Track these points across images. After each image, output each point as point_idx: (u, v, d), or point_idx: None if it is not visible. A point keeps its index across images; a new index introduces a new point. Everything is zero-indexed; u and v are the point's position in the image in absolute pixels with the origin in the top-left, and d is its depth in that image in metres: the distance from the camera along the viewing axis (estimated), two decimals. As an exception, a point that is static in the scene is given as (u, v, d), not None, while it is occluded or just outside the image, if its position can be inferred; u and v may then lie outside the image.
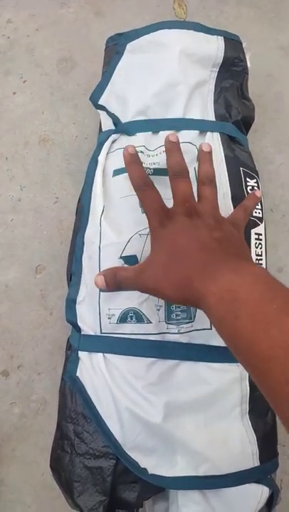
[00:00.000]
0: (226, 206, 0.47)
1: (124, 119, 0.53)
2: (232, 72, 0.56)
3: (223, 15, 0.79)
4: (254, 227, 0.49)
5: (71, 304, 0.49)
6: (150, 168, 0.48)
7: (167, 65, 0.52)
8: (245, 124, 0.57)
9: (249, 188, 0.50)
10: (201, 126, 0.51)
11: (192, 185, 0.40)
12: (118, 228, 0.46)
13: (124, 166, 0.42)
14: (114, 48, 0.57)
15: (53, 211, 0.68)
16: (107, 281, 0.40)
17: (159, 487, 0.43)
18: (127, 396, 0.43)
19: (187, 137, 0.50)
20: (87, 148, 0.70)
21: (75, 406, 0.47)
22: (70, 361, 0.48)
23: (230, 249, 0.37)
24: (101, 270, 0.45)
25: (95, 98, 0.56)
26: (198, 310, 0.45)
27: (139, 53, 0.55)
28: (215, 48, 0.54)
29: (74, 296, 0.49)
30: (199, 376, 0.45)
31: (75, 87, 0.73)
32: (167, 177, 0.41)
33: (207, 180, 0.42)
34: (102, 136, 0.53)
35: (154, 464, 0.43)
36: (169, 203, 0.40)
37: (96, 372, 0.45)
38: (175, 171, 0.40)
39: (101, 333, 0.46)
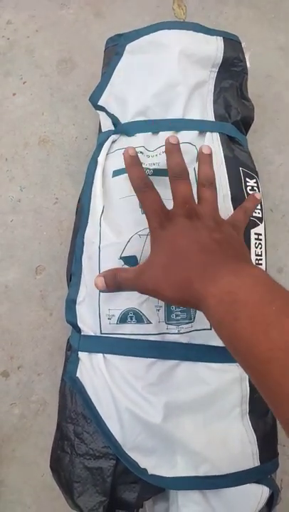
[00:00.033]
0: (225, 207, 0.47)
1: (124, 119, 0.53)
2: (231, 73, 0.56)
3: (223, 15, 0.79)
4: (254, 227, 0.49)
5: (71, 304, 0.49)
6: (150, 169, 0.48)
7: (167, 65, 0.52)
8: (245, 124, 0.57)
9: (249, 188, 0.50)
10: (200, 127, 0.51)
11: (192, 187, 0.40)
12: (118, 229, 0.47)
13: (123, 166, 0.42)
14: (114, 48, 0.57)
15: (52, 212, 0.68)
16: (107, 283, 0.40)
17: (159, 487, 0.43)
18: (127, 396, 0.43)
19: (187, 137, 0.50)
20: (86, 149, 0.70)
21: (75, 406, 0.47)
22: (70, 362, 0.48)
23: (230, 251, 0.37)
24: (101, 270, 0.45)
25: (94, 99, 0.56)
26: (198, 310, 0.45)
27: (139, 54, 0.55)
28: (214, 48, 0.55)
29: (74, 296, 0.49)
30: (199, 376, 0.45)
31: (75, 88, 0.73)
32: (167, 177, 0.41)
33: (207, 182, 0.42)
34: (102, 137, 0.53)
35: (154, 465, 0.43)
36: (169, 204, 0.40)
37: (96, 372, 0.45)
38: (175, 172, 0.40)
39: (101, 333, 0.46)
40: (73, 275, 0.50)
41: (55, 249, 0.67)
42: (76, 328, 0.49)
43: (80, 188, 0.53)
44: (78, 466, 0.44)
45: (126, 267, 0.45)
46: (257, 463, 0.44)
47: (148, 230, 0.40)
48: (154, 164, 0.48)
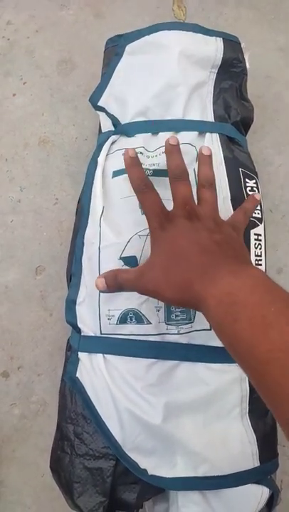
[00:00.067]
0: (225, 207, 0.47)
1: (124, 120, 0.53)
2: (231, 73, 0.56)
3: (223, 16, 0.79)
4: (253, 228, 0.49)
5: (71, 304, 0.49)
6: (149, 169, 0.48)
7: (166, 66, 0.53)
8: (245, 124, 0.57)
9: (248, 188, 0.50)
10: (200, 127, 0.51)
11: (192, 188, 0.40)
12: (118, 229, 0.47)
13: (123, 167, 0.42)
14: (114, 49, 0.57)
15: (52, 212, 0.68)
16: (108, 283, 0.40)
17: (159, 488, 0.43)
18: (127, 397, 0.43)
19: (186, 138, 0.50)
20: (86, 150, 0.70)
21: (74, 407, 0.47)
22: (70, 362, 0.48)
23: (230, 252, 0.37)
24: (101, 271, 0.46)
25: (94, 99, 0.56)
26: (197, 311, 0.45)
27: (139, 54, 0.55)
28: (214, 49, 0.55)
29: (74, 297, 0.49)
30: (198, 377, 0.45)
31: (75, 89, 0.73)
32: (167, 178, 0.41)
33: (207, 183, 0.42)
34: (102, 138, 0.53)
35: (154, 465, 0.43)
36: (169, 204, 0.40)
37: (96, 373, 0.45)
38: (175, 173, 0.40)
39: (101, 334, 0.46)
40: (73, 276, 0.50)
41: (55, 250, 0.67)
42: (76, 329, 0.49)
43: (80, 189, 0.53)
44: (78, 466, 0.44)
45: (126, 267, 0.45)
46: (257, 463, 0.44)
47: (148, 231, 0.40)
48: (153, 165, 0.48)
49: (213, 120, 0.53)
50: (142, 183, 0.40)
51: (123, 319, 0.45)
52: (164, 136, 0.50)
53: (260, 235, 0.49)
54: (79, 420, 0.46)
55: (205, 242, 0.37)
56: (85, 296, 0.48)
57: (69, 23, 0.77)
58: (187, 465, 0.43)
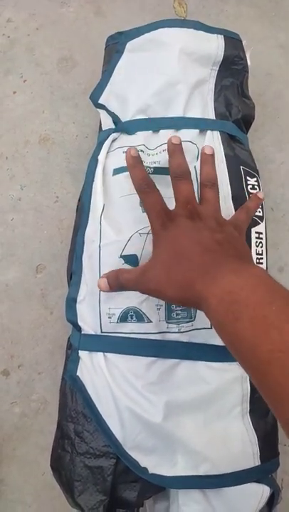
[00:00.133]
0: (226, 205, 0.47)
1: (124, 117, 0.53)
2: (232, 71, 0.56)
3: (224, 14, 0.79)
4: (254, 226, 0.49)
5: (71, 303, 0.49)
6: (150, 167, 0.48)
7: (167, 63, 0.52)
8: (246, 122, 0.57)
9: (249, 186, 0.50)
10: (201, 125, 0.51)
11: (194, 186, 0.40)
12: (118, 227, 0.46)
13: (124, 164, 0.42)
14: (115, 46, 0.57)
15: (53, 210, 0.68)
16: (110, 284, 0.41)
17: (160, 486, 0.43)
18: (128, 395, 0.43)
19: (187, 136, 0.49)
20: (87, 148, 0.70)
21: (75, 405, 0.47)
22: (71, 360, 0.48)
23: (232, 251, 0.37)
24: (101, 269, 0.46)
25: (94, 97, 0.56)
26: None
27: (139, 52, 0.55)
28: (215, 46, 0.54)
29: (74, 295, 0.49)
30: (199, 375, 0.45)
31: (76, 87, 0.73)
32: (168, 176, 0.41)
33: (209, 182, 0.42)
34: (102, 135, 0.53)
35: (155, 464, 0.43)
36: (170, 202, 0.40)
37: (96, 371, 0.45)
38: (177, 173, 0.40)
39: (101, 332, 0.46)
40: (74, 274, 0.50)
41: (56, 248, 0.67)
42: (76, 327, 0.48)
43: (81, 187, 0.53)
44: (79, 465, 0.44)
45: (126, 265, 0.45)
46: (257, 462, 0.44)
47: (148, 229, 0.40)
48: (154, 163, 0.48)
49: (214, 118, 0.52)
50: (143, 182, 0.40)
51: (124, 318, 0.45)
52: (164, 134, 0.50)
53: (261, 233, 0.49)
54: (79, 419, 0.46)
55: (207, 241, 0.37)
56: (85, 294, 0.48)
57: (69, 21, 0.76)
58: (188, 464, 0.43)
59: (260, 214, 0.50)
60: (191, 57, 0.53)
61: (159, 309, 0.45)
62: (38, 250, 0.67)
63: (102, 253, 0.46)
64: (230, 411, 0.44)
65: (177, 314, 0.45)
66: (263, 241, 0.49)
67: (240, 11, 0.80)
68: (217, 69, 0.55)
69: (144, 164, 0.47)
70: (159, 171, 0.47)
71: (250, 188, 0.50)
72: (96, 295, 0.46)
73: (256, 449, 0.44)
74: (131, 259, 0.45)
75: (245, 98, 0.57)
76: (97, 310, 0.46)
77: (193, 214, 0.39)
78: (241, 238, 0.41)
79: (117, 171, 0.49)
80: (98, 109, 0.56)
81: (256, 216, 0.49)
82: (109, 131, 0.53)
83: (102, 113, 0.55)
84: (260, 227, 0.49)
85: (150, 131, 0.51)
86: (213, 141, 0.51)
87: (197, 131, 0.51)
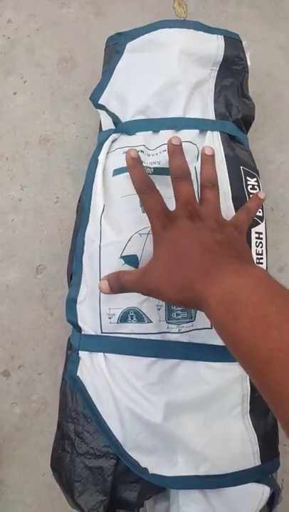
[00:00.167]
0: (226, 206, 0.47)
1: (124, 118, 0.53)
2: (232, 71, 0.56)
3: (224, 14, 0.79)
4: (254, 226, 0.49)
5: (72, 303, 0.49)
6: (150, 168, 0.48)
7: (167, 64, 0.52)
8: (246, 122, 0.57)
9: (249, 187, 0.50)
10: (201, 125, 0.51)
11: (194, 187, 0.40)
12: (118, 227, 0.46)
13: (124, 165, 0.42)
14: (114, 47, 0.57)
15: (53, 211, 0.68)
16: (111, 286, 0.41)
17: (160, 487, 0.43)
18: (128, 396, 0.43)
19: (187, 136, 0.50)
20: (87, 148, 0.70)
21: (75, 406, 0.47)
22: (71, 361, 0.48)
23: (232, 252, 0.37)
24: (101, 270, 0.46)
25: (95, 98, 0.56)
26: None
27: (139, 52, 0.55)
28: (215, 46, 0.54)
29: (74, 295, 0.49)
30: (199, 375, 0.45)
31: (76, 87, 0.73)
32: (168, 176, 0.41)
33: (209, 183, 0.42)
34: (102, 136, 0.53)
35: (155, 464, 0.43)
36: (170, 203, 0.40)
37: (97, 371, 0.45)
38: (177, 174, 0.40)
39: (102, 332, 0.46)
40: (74, 274, 0.50)
41: (56, 249, 0.67)
42: (77, 328, 0.48)
43: (81, 187, 0.53)
44: (79, 465, 0.44)
45: (126, 266, 0.45)
46: (258, 462, 0.44)
47: (149, 229, 0.40)
48: (154, 163, 0.48)
49: (214, 118, 0.52)
50: (143, 183, 0.40)
51: (124, 318, 0.45)
52: (164, 134, 0.50)
53: (261, 234, 0.49)
54: (80, 419, 0.46)
55: (207, 241, 0.37)
56: (85, 294, 0.48)
57: (69, 22, 0.76)
58: (188, 464, 0.43)
59: (260, 214, 0.50)
60: (191, 58, 0.53)
61: (159, 309, 0.45)
62: (38, 251, 0.67)
63: (103, 253, 0.46)
64: (230, 411, 0.44)
65: (177, 314, 0.45)
66: (263, 241, 0.49)
67: (240, 11, 0.80)
68: (217, 69, 0.55)
69: (144, 165, 0.47)
70: (159, 171, 0.47)
71: (250, 189, 0.50)
72: (96, 295, 0.46)
73: (256, 449, 0.44)
74: (131, 260, 0.45)
75: (245, 98, 0.57)
76: (97, 310, 0.46)
77: (193, 215, 0.39)
78: (242, 239, 0.41)
79: (117, 172, 0.49)
80: (98, 110, 0.56)
81: (256, 216, 0.49)
82: (110, 132, 0.53)
83: (102, 114, 0.55)
84: (260, 228, 0.49)
85: (150, 132, 0.51)
86: (213, 141, 0.51)
87: (197, 131, 0.51)
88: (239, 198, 0.48)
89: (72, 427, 0.46)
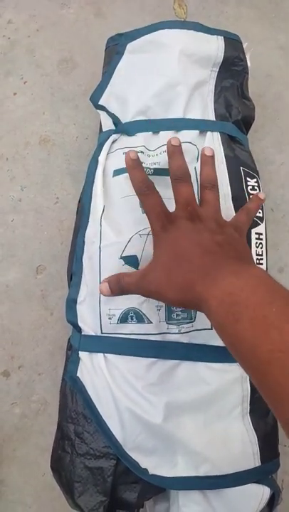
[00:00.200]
0: (226, 206, 0.47)
1: (125, 119, 0.53)
2: (232, 72, 0.56)
3: (224, 15, 0.79)
4: (255, 227, 0.49)
5: (72, 304, 0.49)
6: (150, 168, 0.48)
7: (167, 65, 0.52)
8: (246, 123, 0.57)
9: (250, 187, 0.50)
10: (201, 126, 0.51)
11: (193, 188, 0.40)
12: (118, 228, 0.47)
13: (124, 166, 0.42)
14: (115, 48, 0.57)
15: (53, 211, 0.68)
16: (112, 288, 0.41)
17: (160, 487, 0.43)
18: (128, 396, 0.43)
19: (187, 137, 0.50)
20: (87, 149, 0.70)
21: (75, 406, 0.47)
22: (71, 361, 0.48)
23: (232, 253, 0.37)
24: (102, 270, 0.46)
25: (95, 98, 0.56)
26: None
27: (140, 53, 0.55)
28: (215, 47, 0.54)
29: (74, 296, 0.49)
30: (199, 376, 0.45)
31: (76, 88, 0.73)
32: (168, 177, 0.41)
33: (209, 184, 0.42)
34: (103, 137, 0.53)
35: (155, 465, 0.43)
36: (170, 203, 0.40)
37: (96, 372, 0.45)
38: (177, 175, 0.40)
39: (101, 333, 0.46)
40: (74, 275, 0.50)
41: (56, 249, 0.67)
42: (77, 328, 0.48)
43: (81, 188, 0.53)
44: (79, 465, 0.44)
45: (126, 266, 0.45)
46: (258, 463, 0.44)
47: (149, 230, 0.40)
48: (154, 164, 0.48)
49: (214, 119, 0.52)
50: (143, 185, 0.40)
51: (124, 318, 0.45)
52: (164, 135, 0.50)
53: (261, 234, 0.49)
54: (80, 420, 0.46)
55: (207, 243, 0.37)
56: (85, 295, 0.48)
57: (70, 22, 0.76)
58: (188, 464, 0.43)
59: (260, 215, 0.50)
60: (191, 59, 0.53)
61: (159, 310, 0.45)
62: (38, 251, 0.67)
63: (103, 254, 0.46)
64: (230, 411, 0.44)
65: (177, 315, 0.45)
66: (263, 242, 0.49)
67: (240, 12, 0.80)
68: (217, 70, 0.55)
69: (144, 165, 0.47)
70: (159, 172, 0.47)
71: (250, 189, 0.50)
72: (96, 296, 0.46)
73: (256, 450, 0.44)
74: (131, 260, 0.45)
75: (245, 99, 0.57)
76: (97, 311, 0.46)
77: (193, 216, 0.39)
78: (242, 239, 0.41)
79: (117, 172, 0.49)
80: (98, 111, 0.56)
81: (256, 217, 0.49)
82: (110, 133, 0.53)
83: (103, 114, 0.55)
84: (260, 228, 0.50)
85: (150, 133, 0.51)
86: (213, 142, 0.51)
87: (197, 132, 0.51)
88: (239, 199, 0.48)
89: (72, 427, 0.46)
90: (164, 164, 0.46)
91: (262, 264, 0.49)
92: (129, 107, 0.53)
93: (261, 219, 0.50)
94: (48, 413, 0.62)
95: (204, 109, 0.53)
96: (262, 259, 0.49)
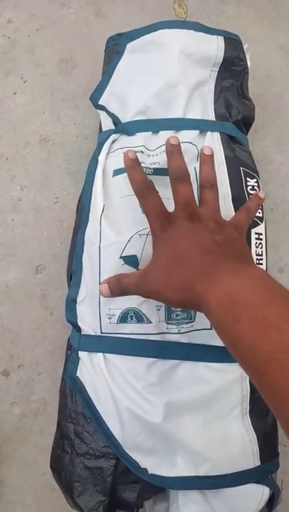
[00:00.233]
0: (226, 206, 0.47)
1: (124, 119, 0.53)
2: (232, 72, 0.56)
3: (224, 15, 0.79)
4: (254, 227, 0.49)
5: (71, 303, 0.49)
6: (150, 168, 0.48)
7: (167, 65, 0.52)
8: (246, 123, 0.57)
9: (249, 187, 0.50)
10: (201, 126, 0.51)
11: (193, 187, 0.40)
12: (118, 228, 0.46)
13: (124, 166, 0.42)
14: (115, 48, 0.57)
15: (53, 211, 0.68)
16: (112, 289, 0.41)
17: (159, 487, 0.43)
18: (127, 396, 0.43)
19: (187, 137, 0.50)
20: (87, 149, 0.70)
21: (75, 406, 0.47)
22: (71, 361, 0.48)
23: (231, 252, 0.37)
24: (101, 270, 0.46)
25: (95, 98, 0.56)
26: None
27: (139, 53, 0.55)
28: (215, 47, 0.54)
29: (74, 296, 0.49)
30: (199, 376, 0.45)
31: (76, 88, 0.73)
32: (167, 177, 0.41)
33: (208, 184, 0.42)
34: (102, 136, 0.53)
35: (154, 464, 0.43)
36: (169, 203, 0.40)
37: (96, 372, 0.45)
38: (176, 175, 0.40)
39: (101, 333, 0.46)
40: (74, 274, 0.50)
41: (56, 249, 0.67)
42: (76, 328, 0.48)
43: (81, 188, 0.53)
44: (78, 465, 0.44)
45: (126, 266, 0.45)
46: (257, 463, 0.44)
47: (148, 230, 0.40)
48: (154, 164, 0.48)
49: (214, 119, 0.52)
50: (142, 185, 0.40)
51: (123, 318, 0.45)
52: (164, 135, 0.50)
53: (261, 234, 0.49)
54: (79, 419, 0.46)
55: (206, 242, 0.37)
56: (85, 295, 0.48)
57: (69, 22, 0.76)
58: (187, 464, 0.43)
59: (260, 215, 0.50)
60: (191, 59, 0.53)
61: (158, 310, 0.45)
62: (38, 251, 0.67)
63: (102, 254, 0.46)
64: (230, 411, 0.44)
65: (177, 315, 0.45)
66: (263, 242, 0.49)
67: (240, 12, 0.80)
68: (217, 70, 0.55)
69: (144, 165, 0.47)
70: (159, 171, 0.47)
71: (250, 189, 0.50)
72: (96, 296, 0.46)
73: (256, 450, 0.44)
74: (131, 260, 0.45)
75: (245, 99, 0.57)
76: (97, 311, 0.46)
77: (192, 216, 0.39)
78: (241, 239, 0.41)
79: (117, 172, 0.49)
80: (98, 111, 0.56)
81: (256, 217, 0.49)
82: (109, 132, 0.53)
83: (102, 114, 0.55)
84: (260, 228, 0.50)
85: (150, 132, 0.51)
86: (213, 142, 0.51)
87: (197, 132, 0.51)
88: (239, 199, 0.48)
89: (71, 427, 0.46)
90: (164, 164, 0.46)
91: (262, 264, 0.49)
92: (129, 106, 0.53)
93: (261, 219, 0.50)
94: (48, 413, 0.62)
95: (204, 109, 0.53)
96: (262, 259, 0.49)
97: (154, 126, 0.51)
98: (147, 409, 0.43)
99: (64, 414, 0.47)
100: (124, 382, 0.44)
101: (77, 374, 0.46)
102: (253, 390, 0.45)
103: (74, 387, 0.46)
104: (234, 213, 0.47)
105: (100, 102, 0.55)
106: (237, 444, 0.44)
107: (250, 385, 0.45)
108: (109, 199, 0.48)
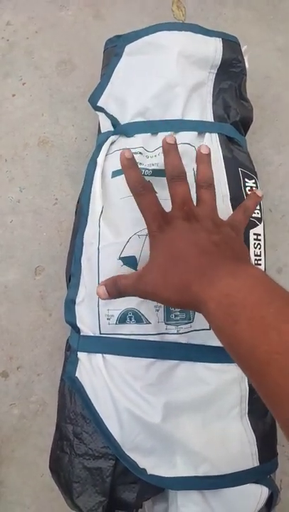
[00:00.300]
0: (224, 207, 0.47)
1: (123, 120, 0.53)
2: (230, 74, 0.56)
3: (222, 17, 0.79)
4: (253, 228, 0.49)
5: (70, 304, 0.49)
6: (149, 169, 0.48)
7: (165, 66, 0.53)
8: (244, 124, 0.57)
9: (248, 188, 0.50)
10: (199, 128, 0.51)
11: (190, 187, 0.40)
12: (117, 229, 0.47)
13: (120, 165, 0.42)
14: (113, 50, 0.57)
15: (52, 212, 0.68)
16: (109, 291, 0.40)
17: (159, 487, 0.43)
18: (126, 396, 0.43)
19: (186, 138, 0.50)
20: (86, 150, 0.70)
21: (74, 407, 0.47)
22: (70, 362, 0.48)
23: (229, 253, 0.37)
24: (100, 271, 0.46)
25: (93, 100, 0.56)
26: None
27: (138, 55, 0.55)
28: (213, 49, 0.55)
29: (73, 297, 0.49)
30: (198, 376, 0.45)
31: (75, 90, 0.73)
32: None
33: (205, 183, 0.41)
34: (101, 138, 0.53)
35: (153, 465, 0.43)
36: (168, 204, 0.40)
37: (95, 372, 0.45)
38: (172, 174, 0.40)
39: (100, 333, 0.46)
40: (72, 276, 0.50)
41: (55, 250, 0.67)
42: (75, 329, 0.49)
43: (80, 189, 0.53)
44: (77, 466, 0.44)
45: (125, 267, 0.45)
46: (256, 463, 0.44)
47: (147, 231, 0.40)
48: (153, 165, 0.48)
49: (212, 120, 0.53)
50: (138, 185, 0.40)
51: (122, 319, 0.45)
52: (163, 137, 0.50)
53: (260, 235, 0.50)
54: (78, 420, 0.46)
55: (203, 243, 0.37)
56: (84, 296, 0.48)
57: (68, 24, 0.77)
58: (187, 465, 0.43)
59: (259, 215, 0.50)
60: (189, 60, 0.53)
61: (157, 310, 0.45)
62: (37, 252, 0.67)
63: (101, 255, 0.46)
64: (228, 412, 0.45)
65: (176, 316, 0.45)
66: (262, 242, 0.50)
67: (239, 14, 0.80)
68: (215, 72, 0.55)
69: (143, 166, 0.47)
70: (157, 173, 0.47)
71: (249, 190, 0.50)
72: (95, 297, 0.46)
73: (255, 450, 0.44)
74: (130, 261, 0.45)
75: (244, 100, 0.57)
76: (95, 311, 0.46)
77: (189, 215, 0.38)
78: (239, 238, 0.41)
79: (116, 174, 0.49)
80: (97, 112, 0.56)
81: (254, 218, 0.49)
82: (108, 134, 0.53)
83: (101, 116, 0.55)
84: (259, 229, 0.50)
85: (149, 134, 0.51)
86: (212, 143, 0.51)
87: (195, 133, 0.51)
88: (237, 200, 0.48)
89: (70, 427, 0.46)
90: (163, 165, 0.46)
91: (260, 264, 0.49)
92: (128, 108, 0.53)
93: (259, 219, 0.50)
94: (47, 414, 0.62)
95: (202, 110, 0.53)
96: (260, 259, 0.49)
97: (152, 127, 0.51)
98: (146, 410, 0.43)
99: (63, 415, 0.47)
100: (123, 382, 0.44)
101: (76, 375, 0.46)
102: (252, 391, 0.45)
103: (73, 388, 0.46)
104: (233, 214, 0.47)
105: (99, 104, 0.55)
106: (236, 445, 0.44)
107: (249, 386, 0.45)
108: (108, 200, 0.48)
